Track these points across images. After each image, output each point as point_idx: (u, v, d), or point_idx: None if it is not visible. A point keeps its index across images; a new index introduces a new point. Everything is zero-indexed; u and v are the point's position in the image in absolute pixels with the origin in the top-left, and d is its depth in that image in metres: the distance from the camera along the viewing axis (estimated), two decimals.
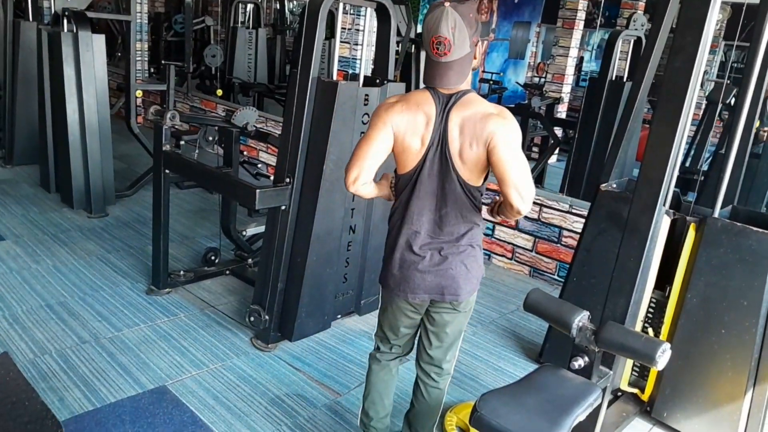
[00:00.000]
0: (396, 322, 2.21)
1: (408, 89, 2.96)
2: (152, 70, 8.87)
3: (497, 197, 2.02)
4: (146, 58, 8.30)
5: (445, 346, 2.19)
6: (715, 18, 2.30)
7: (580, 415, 1.76)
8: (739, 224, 2.61)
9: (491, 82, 11.26)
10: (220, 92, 7.23)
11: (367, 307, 3.64)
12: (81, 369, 2.90)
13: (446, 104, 1.92)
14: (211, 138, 4.00)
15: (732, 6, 6.65)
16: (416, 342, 2.29)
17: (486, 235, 4.73)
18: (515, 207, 1.86)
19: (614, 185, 3.01)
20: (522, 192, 1.84)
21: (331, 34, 4.47)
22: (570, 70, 7.95)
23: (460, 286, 2.04)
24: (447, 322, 2.14)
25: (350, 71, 5.47)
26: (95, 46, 4.83)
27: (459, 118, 1.90)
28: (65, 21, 4.77)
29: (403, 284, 2.06)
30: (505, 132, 1.85)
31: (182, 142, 4.12)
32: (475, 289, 2.10)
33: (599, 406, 1.95)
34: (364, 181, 2.00)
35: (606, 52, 5.53)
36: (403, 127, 1.94)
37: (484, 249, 4.76)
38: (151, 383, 2.85)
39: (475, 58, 1.92)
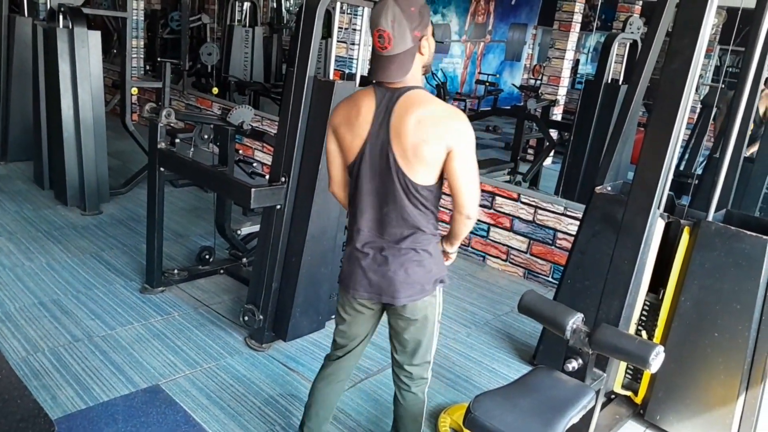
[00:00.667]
0: (342, 321, 2.16)
1: None
2: (148, 67, 8.84)
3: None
4: (142, 56, 8.26)
5: (408, 352, 2.12)
6: (711, 22, 2.31)
7: (573, 417, 1.77)
8: (732, 228, 2.62)
9: (487, 84, 11.29)
10: (215, 90, 7.21)
11: None
12: (74, 367, 2.89)
13: (390, 99, 1.88)
14: (206, 136, 4.00)
15: (727, 10, 6.69)
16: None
17: (481, 236, 4.74)
18: (465, 212, 1.92)
19: (609, 188, 3.02)
20: (474, 198, 1.91)
21: (327, 33, 4.46)
22: (566, 73, 7.98)
23: (397, 290, 1.97)
24: (402, 329, 2.08)
25: (347, 71, 5.48)
26: (91, 43, 4.81)
27: (414, 115, 1.84)
28: (61, 17, 4.75)
29: (348, 280, 2.04)
30: (467, 140, 1.86)
31: (177, 140, 4.11)
32: (417, 296, 1.99)
33: (593, 409, 1.96)
34: (337, 184, 2.12)
35: (602, 55, 5.54)
36: (339, 124, 1.98)
37: (478, 250, 4.78)
38: (144, 382, 2.84)
39: (420, 53, 1.87)
